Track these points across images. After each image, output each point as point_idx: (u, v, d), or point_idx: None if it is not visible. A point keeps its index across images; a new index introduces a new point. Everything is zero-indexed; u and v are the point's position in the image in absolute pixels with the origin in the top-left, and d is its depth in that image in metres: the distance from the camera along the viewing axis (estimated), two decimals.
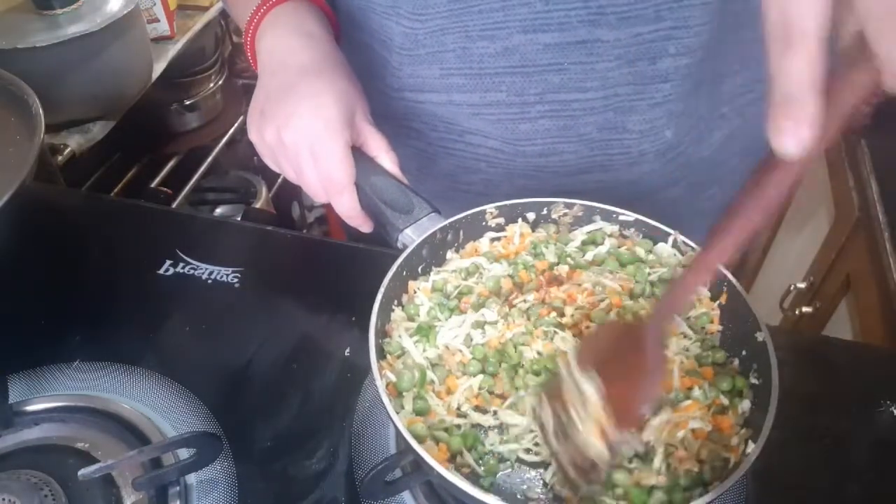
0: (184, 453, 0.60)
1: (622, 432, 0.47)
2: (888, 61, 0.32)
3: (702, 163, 0.78)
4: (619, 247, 0.65)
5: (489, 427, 0.55)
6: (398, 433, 0.50)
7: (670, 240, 0.63)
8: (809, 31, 0.33)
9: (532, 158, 0.74)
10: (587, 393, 0.47)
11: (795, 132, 0.34)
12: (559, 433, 0.49)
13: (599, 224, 0.65)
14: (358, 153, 0.64)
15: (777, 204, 0.39)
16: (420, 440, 0.51)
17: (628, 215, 0.64)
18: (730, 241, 0.42)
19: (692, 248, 0.61)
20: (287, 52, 0.66)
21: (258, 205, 1.53)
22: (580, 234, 0.66)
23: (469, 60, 0.68)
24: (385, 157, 0.65)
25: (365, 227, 0.66)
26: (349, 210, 0.65)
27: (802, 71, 0.33)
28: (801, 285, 1.32)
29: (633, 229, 0.65)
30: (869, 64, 0.32)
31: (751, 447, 0.49)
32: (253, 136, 0.66)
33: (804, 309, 1.29)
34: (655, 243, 0.64)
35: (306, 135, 0.62)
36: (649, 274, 0.62)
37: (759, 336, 0.55)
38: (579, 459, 0.48)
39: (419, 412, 0.54)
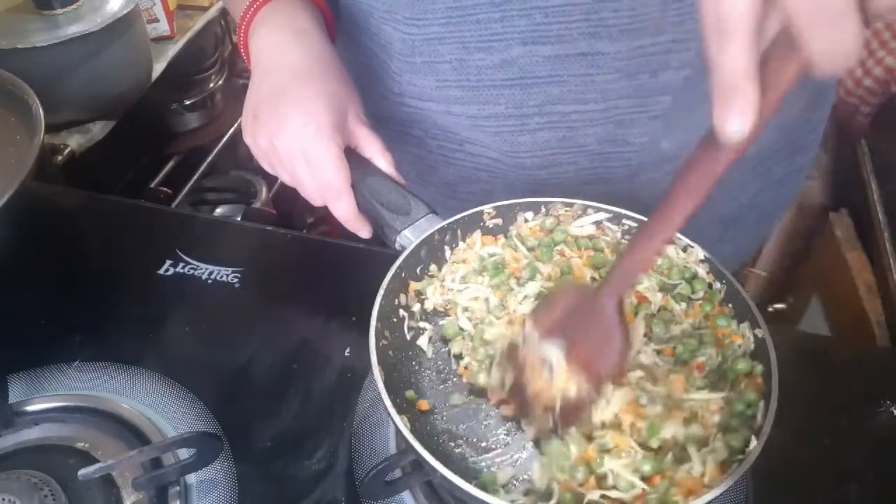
0: (184, 453, 0.60)
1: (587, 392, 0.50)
2: (816, 54, 0.33)
3: None
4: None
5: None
6: (398, 433, 0.50)
7: None
8: (742, 23, 0.35)
9: (532, 171, 0.73)
10: (552, 359, 0.50)
11: (739, 119, 0.36)
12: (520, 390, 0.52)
13: (601, 216, 0.65)
14: (353, 155, 0.64)
15: (716, 180, 0.42)
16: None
17: (628, 215, 0.64)
18: (679, 211, 0.45)
19: (689, 245, 0.62)
20: (278, 50, 0.66)
21: (258, 205, 1.52)
22: (587, 224, 0.66)
23: (466, 72, 0.67)
24: (381, 159, 0.65)
25: (363, 231, 0.66)
26: (347, 213, 0.64)
27: (739, 61, 0.35)
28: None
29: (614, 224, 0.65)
30: (797, 54, 0.35)
31: (752, 446, 0.49)
32: (247, 139, 0.66)
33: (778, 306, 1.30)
34: None
35: (298, 141, 0.61)
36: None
37: (759, 333, 0.55)
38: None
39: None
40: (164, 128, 1.53)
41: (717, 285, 0.60)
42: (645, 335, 0.58)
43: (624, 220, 0.65)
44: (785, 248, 1.34)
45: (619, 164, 0.72)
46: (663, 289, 0.61)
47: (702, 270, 0.61)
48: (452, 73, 0.68)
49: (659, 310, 0.60)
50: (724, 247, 0.87)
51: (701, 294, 0.61)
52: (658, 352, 0.57)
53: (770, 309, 1.30)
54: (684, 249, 0.62)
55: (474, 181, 0.78)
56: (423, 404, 0.57)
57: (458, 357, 0.60)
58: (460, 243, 0.65)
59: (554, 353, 0.50)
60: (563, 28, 0.63)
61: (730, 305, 0.59)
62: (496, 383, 0.56)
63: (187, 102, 1.52)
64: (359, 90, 0.68)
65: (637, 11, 0.62)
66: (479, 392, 0.58)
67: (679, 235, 0.62)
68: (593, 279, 0.62)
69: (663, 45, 0.64)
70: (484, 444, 0.56)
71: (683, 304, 0.60)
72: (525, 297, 0.60)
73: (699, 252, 0.61)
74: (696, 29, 0.63)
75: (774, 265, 1.35)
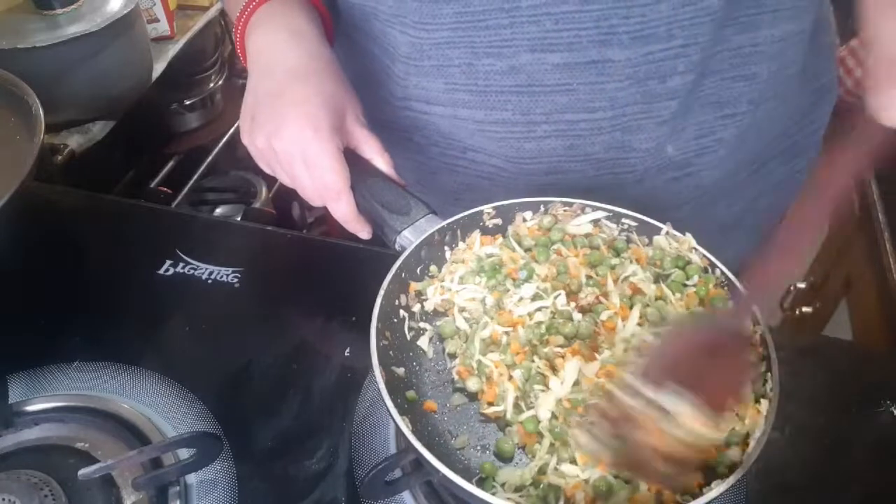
0: (184, 453, 0.60)
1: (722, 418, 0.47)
2: None
3: (713, 185, 0.77)
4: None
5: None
6: (398, 433, 0.50)
7: (663, 232, 0.64)
8: None
9: (537, 177, 0.73)
10: (676, 409, 0.45)
11: None
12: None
13: (600, 214, 0.65)
14: (352, 156, 0.64)
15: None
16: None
17: (627, 213, 0.64)
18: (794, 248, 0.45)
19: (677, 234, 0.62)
20: (275, 52, 0.65)
21: (258, 205, 1.52)
22: (585, 223, 0.65)
23: (475, 77, 0.67)
24: (380, 159, 0.65)
25: (364, 232, 0.66)
26: (346, 214, 0.64)
27: None
28: (802, 285, 1.32)
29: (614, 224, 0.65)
30: None
31: (750, 447, 0.49)
32: (245, 140, 0.66)
33: (804, 309, 1.29)
34: (650, 239, 0.64)
35: (296, 143, 0.61)
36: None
37: (759, 330, 0.55)
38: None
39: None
40: (164, 128, 1.53)
41: (716, 272, 0.61)
42: (638, 324, 0.58)
43: (623, 219, 0.65)
44: (819, 255, 1.33)
45: (624, 170, 0.72)
46: (658, 279, 0.61)
47: (695, 257, 0.61)
48: (461, 76, 0.68)
49: (655, 300, 0.60)
50: (725, 251, 0.87)
51: (696, 279, 0.61)
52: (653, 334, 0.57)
53: (797, 312, 1.30)
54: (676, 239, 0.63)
55: (476, 189, 0.78)
56: (432, 405, 0.57)
57: (454, 356, 0.60)
58: (460, 243, 0.65)
59: (677, 403, 0.46)
60: (572, 35, 0.62)
61: (726, 288, 0.59)
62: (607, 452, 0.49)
63: (187, 102, 1.52)
64: (358, 93, 0.68)
65: (647, 17, 0.62)
66: (471, 395, 0.58)
67: (676, 233, 0.63)
68: (589, 277, 0.62)
69: (673, 50, 0.64)
70: (484, 444, 0.56)
71: (679, 294, 0.60)
72: (521, 298, 0.60)
73: (691, 240, 0.62)
74: (704, 32, 0.63)
75: (810, 271, 1.35)
